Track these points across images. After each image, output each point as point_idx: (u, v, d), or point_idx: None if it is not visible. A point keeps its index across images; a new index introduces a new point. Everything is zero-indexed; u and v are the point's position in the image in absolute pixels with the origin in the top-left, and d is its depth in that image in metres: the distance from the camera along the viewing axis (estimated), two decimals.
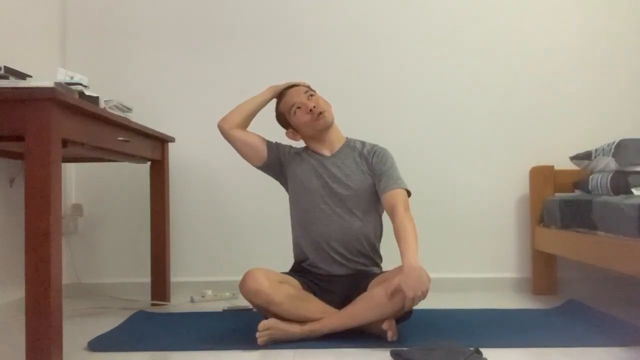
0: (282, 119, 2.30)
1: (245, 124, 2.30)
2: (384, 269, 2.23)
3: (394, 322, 1.98)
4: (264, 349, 1.93)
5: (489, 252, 3.12)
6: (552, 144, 3.11)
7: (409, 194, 2.16)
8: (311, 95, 2.24)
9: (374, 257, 2.24)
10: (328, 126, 2.23)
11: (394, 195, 2.11)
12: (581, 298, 2.71)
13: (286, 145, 2.34)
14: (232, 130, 2.27)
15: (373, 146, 2.28)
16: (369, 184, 2.21)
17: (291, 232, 2.30)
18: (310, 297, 2.09)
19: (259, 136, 2.31)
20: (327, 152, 2.27)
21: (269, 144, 2.30)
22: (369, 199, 2.21)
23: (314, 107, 2.18)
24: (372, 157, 2.24)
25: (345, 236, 2.17)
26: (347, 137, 2.32)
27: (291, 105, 2.23)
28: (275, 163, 2.29)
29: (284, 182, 2.33)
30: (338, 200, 2.18)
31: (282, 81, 2.36)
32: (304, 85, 2.29)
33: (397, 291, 1.89)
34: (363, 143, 2.30)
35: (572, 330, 2.14)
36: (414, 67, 3.17)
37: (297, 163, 2.27)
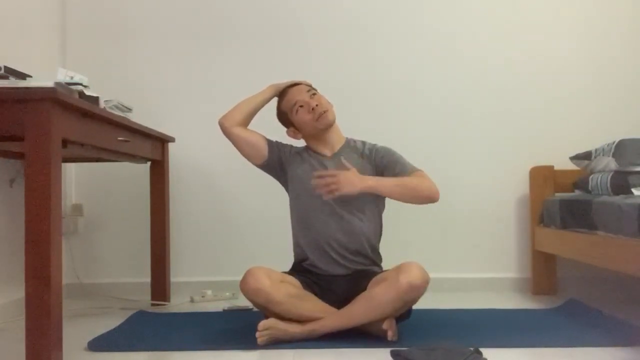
0: (284, 117, 2.29)
1: (246, 122, 2.29)
2: (384, 269, 2.23)
3: (394, 322, 1.98)
4: (264, 349, 1.93)
5: (489, 252, 3.12)
6: (552, 144, 3.11)
7: None
8: (313, 94, 2.24)
9: (374, 257, 2.24)
10: (330, 125, 2.23)
11: (416, 174, 2.16)
12: (581, 298, 2.71)
13: (287, 144, 2.34)
14: (232, 128, 2.27)
15: (373, 145, 2.29)
16: (373, 196, 2.21)
17: (291, 231, 2.30)
18: (311, 296, 2.09)
19: (260, 135, 2.30)
20: (327, 152, 2.27)
21: (270, 143, 2.30)
22: (370, 199, 2.20)
23: (316, 105, 2.18)
24: (375, 154, 2.24)
25: (345, 236, 2.17)
26: (347, 137, 2.32)
27: (293, 104, 2.23)
28: (276, 162, 2.29)
29: (284, 181, 2.32)
30: (338, 201, 2.18)
31: (282, 81, 2.36)
32: (306, 84, 2.29)
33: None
34: (363, 143, 2.30)
35: (572, 330, 2.14)
36: (414, 68, 3.17)
37: (297, 163, 2.27)
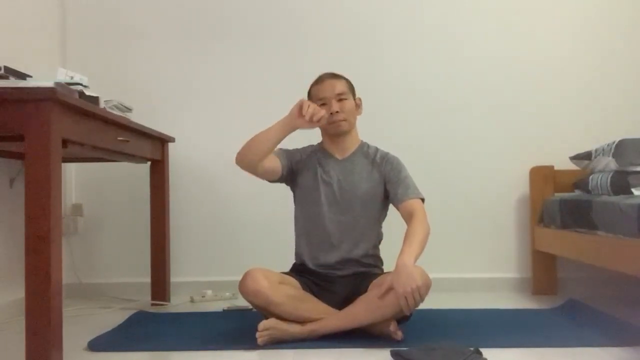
0: (309, 99, 2.26)
1: (262, 160, 2.12)
2: (385, 271, 2.24)
3: (395, 323, 1.98)
4: (264, 349, 1.93)
5: (489, 252, 3.12)
6: (552, 144, 3.11)
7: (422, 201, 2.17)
8: (342, 99, 2.18)
9: (375, 263, 2.24)
10: (340, 134, 2.22)
11: (413, 205, 2.12)
12: (581, 298, 2.71)
13: (297, 151, 2.29)
14: (250, 169, 2.14)
15: (386, 154, 2.27)
16: (375, 192, 2.21)
17: (294, 231, 2.30)
18: (310, 297, 2.09)
19: (275, 157, 2.20)
20: (338, 156, 2.25)
21: (282, 159, 2.22)
22: (373, 206, 2.21)
23: (336, 112, 2.16)
24: (385, 164, 2.23)
25: (345, 243, 2.17)
26: (362, 141, 2.31)
27: (319, 97, 2.20)
28: (287, 175, 2.25)
29: (291, 185, 2.30)
30: (342, 206, 2.18)
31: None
32: (341, 86, 2.20)
33: (389, 289, 1.89)
34: (376, 150, 2.29)
35: (572, 330, 2.14)
36: (415, 67, 3.17)
37: (305, 172, 2.25)
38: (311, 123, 2.07)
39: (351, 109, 2.22)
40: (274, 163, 2.19)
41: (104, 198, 3.14)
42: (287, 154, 2.28)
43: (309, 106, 2.06)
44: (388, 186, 2.20)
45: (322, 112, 2.08)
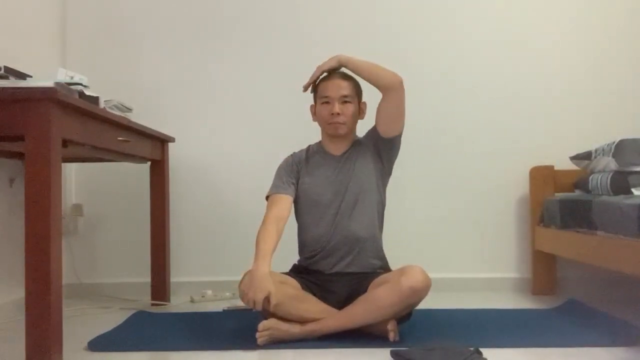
0: (314, 93, 2.27)
1: (282, 224, 2.14)
2: (385, 271, 2.24)
3: (395, 323, 1.98)
4: (264, 349, 1.93)
5: (489, 252, 3.12)
6: (552, 144, 3.11)
7: None
8: (346, 102, 2.18)
9: (377, 260, 2.24)
10: (336, 136, 2.22)
11: None
12: (581, 298, 2.71)
13: (294, 163, 2.28)
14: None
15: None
16: (374, 186, 2.21)
17: (297, 230, 2.29)
18: (310, 297, 2.09)
19: (284, 198, 2.20)
20: (336, 153, 2.26)
21: (290, 190, 2.22)
22: (373, 202, 2.21)
23: (337, 114, 2.17)
24: (367, 136, 2.26)
25: (347, 240, 2.17)
26: (357, 137, 2.31)
27: (323, 95, 2.20)
28: (295, 191, 2.26)
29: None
30: (342, 204, 2.18)
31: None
32: (348, 89, 2.19)
33: None
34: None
35: (572, 330, 2.15)
36: (414, 68, 3.16)
37: (304, 176, 2.25)
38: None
39: (353, 113, 2.21)
40: (287, 205, 2.19)
41: (104, 198, 3.14)
42: (290, 174, 2.25)
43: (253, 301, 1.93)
44: (374, 138, 2.21)
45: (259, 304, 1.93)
